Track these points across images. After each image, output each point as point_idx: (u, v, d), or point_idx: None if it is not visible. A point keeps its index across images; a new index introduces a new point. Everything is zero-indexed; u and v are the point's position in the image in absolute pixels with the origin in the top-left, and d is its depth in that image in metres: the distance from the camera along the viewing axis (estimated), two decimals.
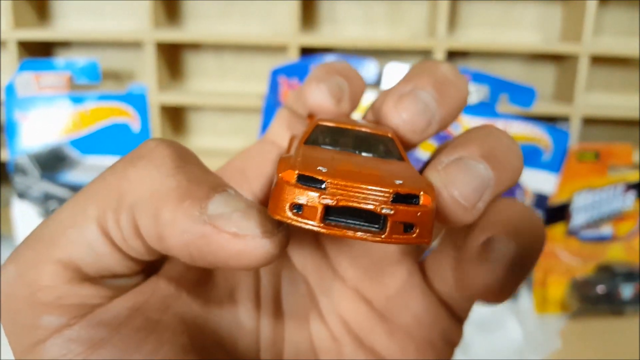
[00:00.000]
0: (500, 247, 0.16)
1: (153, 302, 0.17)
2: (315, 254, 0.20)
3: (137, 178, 0.15)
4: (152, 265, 0.18)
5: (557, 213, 0.64)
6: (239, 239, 0.14)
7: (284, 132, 0.20)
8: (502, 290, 0.16)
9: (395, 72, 0.63)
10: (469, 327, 0.57)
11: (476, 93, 0.63)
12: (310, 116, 0.19)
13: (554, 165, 0.63)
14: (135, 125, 0.66)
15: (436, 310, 0.19)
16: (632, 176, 0.64)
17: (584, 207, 0.64)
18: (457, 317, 0.20)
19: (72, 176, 0.66)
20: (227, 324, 0.18)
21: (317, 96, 0.18)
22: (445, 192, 0.16)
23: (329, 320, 0.20)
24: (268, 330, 0.19)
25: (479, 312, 0.60)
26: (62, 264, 0.15)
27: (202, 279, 0.18)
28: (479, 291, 0.17)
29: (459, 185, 0.16)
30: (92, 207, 0.15)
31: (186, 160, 0.16)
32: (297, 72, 0.64)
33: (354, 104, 0.19)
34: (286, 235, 0.15)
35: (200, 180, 0.15)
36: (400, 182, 0.15)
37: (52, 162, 0.66)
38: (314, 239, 0.20)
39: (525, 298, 0.63)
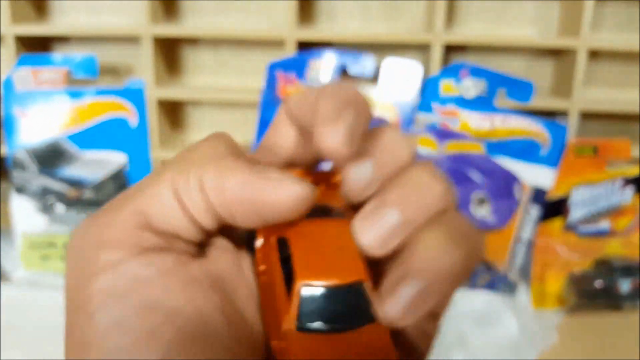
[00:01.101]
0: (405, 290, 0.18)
1: (195, 263, 0.19)
2: None
3: (204, 149, 0.19)
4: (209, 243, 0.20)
5: (555, 208, 0.64)
6: (282, 184, 0.17)
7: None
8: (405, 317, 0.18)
9: (392, 66, 0.63)
10: (466, 321, 0.58)
11: (474, 88, 0.63)
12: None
13: (552, 160, 0.63)
14: (133, 120, 0.66)
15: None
16: (631, 171, 0.64)
17: (582, 201, 0.64)
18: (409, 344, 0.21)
19: (70, 171, 0.67)
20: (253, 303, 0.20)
21: (333, 141, 0.18)
22: (358, 238, 0.18)
23: None
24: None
25: (477, 307, 0.60)
26: (135, 212, 0.18)
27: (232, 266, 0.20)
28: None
29: (367, 234, 0.18)
30: (168, 171, 0.18)
31: (236, 144, 0.20)
32: (294, 66, 0.64)
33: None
34: (313, 187, 0.18)
35: (244, 152, 0.20)
36: None
37: (50, 157, 0.66)
38: None
39: (522, 293, 0.63)
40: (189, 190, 0.18)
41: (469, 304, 0.60)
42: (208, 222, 0.18)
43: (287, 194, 0.17)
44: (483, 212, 0.63)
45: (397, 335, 0.19)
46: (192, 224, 0.18)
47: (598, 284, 0.62)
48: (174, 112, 0.75)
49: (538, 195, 0.63)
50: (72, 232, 0.19)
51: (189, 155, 0.19)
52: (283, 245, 0.19)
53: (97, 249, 0.17)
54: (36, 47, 0.72)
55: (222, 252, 0.20)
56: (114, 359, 0.16)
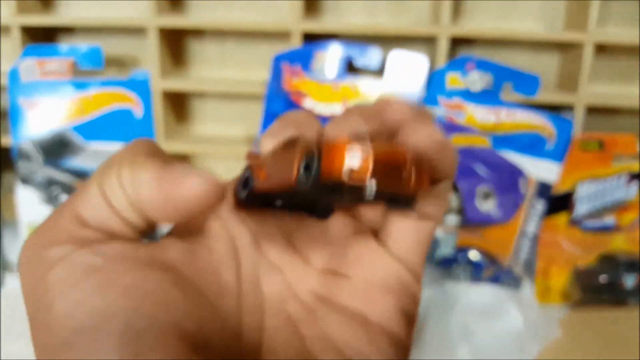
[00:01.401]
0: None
1: (143, 249, 0.19)
2: (286, 246, 0.23)
3: (125, 150, 0.20)
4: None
5: (560, 202, 0.64)
6: (187, 177, 0.18)
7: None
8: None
9: (398, 59, 0.63)
10: (471, 315, 0.58)
11: (480, 81, 0.63)
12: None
13: (558, 154, 0.63)
14: (138, 112, 0.66)
15: (392, 264, 0.22)
16: (636, 166, 0.64)
17: (587, 196, 0.64)
18: (413, 272, 0.22)
19: (75, 162, 0.67)
20: (212, 289, 0.20)
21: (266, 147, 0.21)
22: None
23: (302, 298, 0.22)
24: (248, 315, 0.21)
25: (481, 300, 0.60)
26: (71, 214, 0.19)
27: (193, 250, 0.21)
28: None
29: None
30: (96, 173, 0.19)
31: (157, 147, 0.21)
32: (299, 58, 0.64)
33: None
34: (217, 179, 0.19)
35: (164, 154, 0.20)
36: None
37: (55, 148, 0.66)
38: (285, 235, 0.23)
39: (527, 287, 0.63)
40: (111, 187, 0.19)
41: (474, 298, 0.60)
42: (134, 218, 0.19)
43: (192, 187, 0.18)
44: (488, 205, 0.62)
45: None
46: (120, 220, 0.19)
47: (602, 279, 0.62)
48: (179, 104, 0.75)
49: (543, 189, 0.63)
50: (20, 251, 0.19)
51: (113, 156, 0.20)
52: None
53: (45, 249, 0.18)
54: (41, 38, 0.72)
55: (174, 241, 0.20)
56: (78, 339, 0.16)
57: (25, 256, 0.19)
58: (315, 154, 0.18)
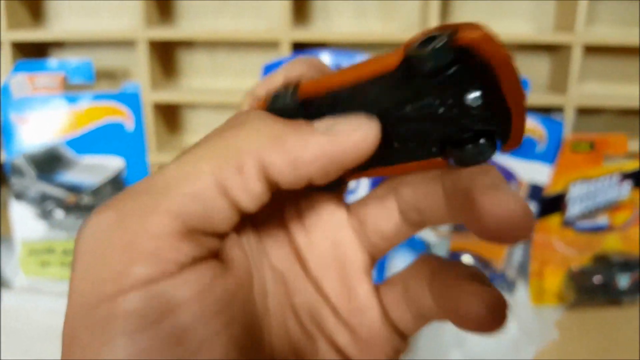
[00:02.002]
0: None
1: (229, 275, 0.18)
2: (287, 249, 0.21)
3: (251, 132, 0.17)
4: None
5: (553, 204, 0.64)
6: (355, 130, 0.17)
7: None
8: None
9: None
10: None
11: None
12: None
13: (549, 156, 0.63)
14: (130, 124, 0.66)
15: (388, 330, 0.20)
16: (628, 166, 0.64)
17: (580, 197, 0.64)
18: (404, 336, 0.21)
19: (68, 176, 0.67)
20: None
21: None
22: None
23: (301, 316, 0.21)
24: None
25: None
26: (171, 214, 0.16)
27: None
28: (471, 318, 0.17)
29: None
30: (206, 163, 0.17)
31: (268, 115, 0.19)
32: None
33: None
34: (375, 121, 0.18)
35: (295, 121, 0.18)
36: None
37: (48, 163, 0.67)
38: (287, 235, 0.21)
39: (521, 290, 0.64)
40: (241, 180, 0.17)
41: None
42: (257, 203, 0.17)
43: (361, 136, 0.17)
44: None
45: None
46: (232, 212, 0.17)
47: (597, 279, 0.62)
48: (171, 115, 0.75)
49: (535, 191, 0.63)
50: (87, 229, 0.16)
51: (229, 141, 0.17)
52: None
53: (127, 260, 0.15)
54: (32, 52, 0.72)
55: (239, 250, 0.19)
56: None
57: (96, 249, 0.16)
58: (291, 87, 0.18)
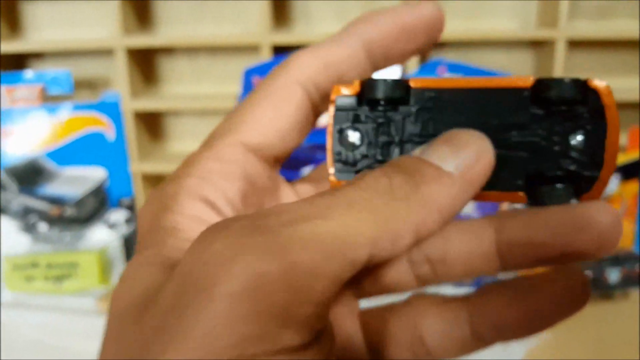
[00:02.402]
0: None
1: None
2: None
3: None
4: None
5: None
6: (480, 160, 0.16)
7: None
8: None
9: None
10: None
11: None
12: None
13: None
14: (111, 134, 0.65)
15: None
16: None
17: None
18: None
19: (50, 189, 0.66)
20: None
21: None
22: None
23: None
24: None
25: None
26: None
27: None
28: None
29: None
30: (363, 234, 0.15)
31: None
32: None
33: None
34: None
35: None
36: None
37: (29, 176, 0.66)
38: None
39: None
40: (396, 249, 0.15)
41: None
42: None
43: (486, 166, 0.16)
44: (467, 207, 0.62)
45: None
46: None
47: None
48: (153, 123, 0.74)
49: None
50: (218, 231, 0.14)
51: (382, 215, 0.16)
52: None
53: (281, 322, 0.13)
54: (10, 64, 0.71)
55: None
56: None
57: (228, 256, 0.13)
58: None
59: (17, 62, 0.73)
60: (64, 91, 0.64)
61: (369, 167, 0.18)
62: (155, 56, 0.73)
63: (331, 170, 0.18)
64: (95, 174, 0.66)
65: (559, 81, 0.16)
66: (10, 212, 0.66)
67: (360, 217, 0.14)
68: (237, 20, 0.71)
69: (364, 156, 0.18)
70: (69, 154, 0.66)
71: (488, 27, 0.71)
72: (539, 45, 0.71)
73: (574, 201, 0.17)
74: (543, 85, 0.16)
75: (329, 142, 0.18)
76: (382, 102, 0.18)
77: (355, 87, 0.18)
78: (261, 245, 0.13)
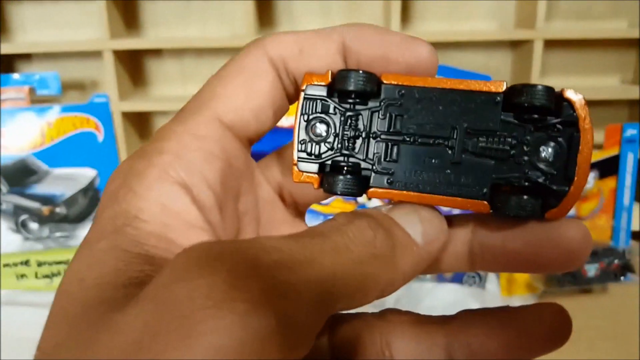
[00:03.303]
0: None
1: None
2: None
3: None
4: None
5: None
6: (439, 236, 0.17)
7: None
8: None
9: None
10: (435, 314, 0.58)
11: None
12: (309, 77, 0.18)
13: None
14: (100, 135, 0.66)
15: None
16: (593, 156, 0.65)
17: None
18: None
19: (41, 188, 0.67)
20: None
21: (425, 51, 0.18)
22: None
23: None
24: None
25: (446, 299, 0.61)
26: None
27: None
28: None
29: None
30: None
31: None
32: None
33: None
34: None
35: None
36: None
37: (20, 175, 0.67)
38: None
39: (491, 282, 0.65)
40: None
41: (439, 297, 0.61)
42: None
43: (442, 243, 0.17)
44: None
45: None
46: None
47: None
48: (141, 124, 0.75)
49: None
50: None
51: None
52: None
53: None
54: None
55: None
56: None
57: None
58: None
59: (5, 64, 0.74)
60: (52, 93, 0.65)
61: (333, 160, 0.18)
62: (142, 58, 0.74)
63: (295, 158, 0.18)
64: (85, 174, 0.67)
65: (531, 88, 0.16)
66: (1, 211, 0.67)
67: (346, 269, 0.14)
68: (223, 22, 0.72)
69: (329, 148, 0.18)
70: (59, 154, 0.67)
71: (467, 29, 0.72)
72: (517, 46, 0.72)
73: (538, 215, 0.16)
74: (516, 91, 0.16)
75: (295, 130, 0.18)
76: (352, 95, 0.17)
77: (327, 77, 0.18)
78: (255, 292, 0.11)
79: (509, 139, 0.16)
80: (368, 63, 0.18)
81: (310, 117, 0.18)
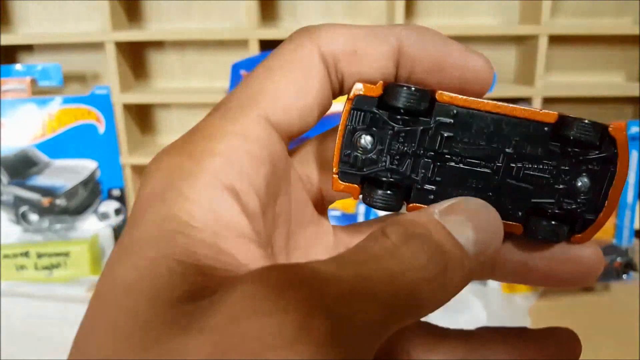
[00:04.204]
0: None
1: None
2: None
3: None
4: None
5: None
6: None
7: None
8: None
9: None
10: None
11: None
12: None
13: None
14: (101, 127, 0.66)
15: None
16: None
17: None
18: None
19: (41, 180, 0.67)
20: None
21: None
22: None
23: None
24: None
25: None
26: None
27: None
28: None
29: None
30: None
31: None
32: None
33: None
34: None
35: None
36: None
37: (20, 167, 0.67)
38: None
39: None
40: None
41: None
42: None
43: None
44: None
45: None
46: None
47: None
48: (143, 116, 0.75)
49: None
50: None
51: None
52: None
53: None
54: (0, 57, 0.72)
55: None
56: None
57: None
58: None
59: (7, 55, 0.74)
60: (54, 84, 0.65)
61: (377, 174, 0.17)
62: (144, 50, 0.74)
63: (335, 169, 0.17)
64: (86, 165, 0.67)
65: (581, 123, 0.16)
66: (1, 202, 0.67)
67: (401, 298, 0.14)
68: (226, 16, 0.72)
69: (373, 162, 0.17)
70: (60, 145, 0.67)
71: (472, 24, 0.72)
72: (522, 41, 0.72)
73: (564, 239, 0.17)
74: (565, 124, 0.17)
75: (339, 139, 0.17)
76: (402, 111, 0.17)
77: (378, 89, 0.17)
78: (322, 332, 0.12)
79: (550, 167, 0.17)
80: (422, 71, 0.18)
81: (357, 128, 0.17)
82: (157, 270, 0.13)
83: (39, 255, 0.65)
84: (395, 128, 0.17)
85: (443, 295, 0.15)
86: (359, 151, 0.17)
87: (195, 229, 0.14)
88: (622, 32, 0.69)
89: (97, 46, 0.70)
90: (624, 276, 0.62)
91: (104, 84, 0.73)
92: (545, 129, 0.17)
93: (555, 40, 0.69)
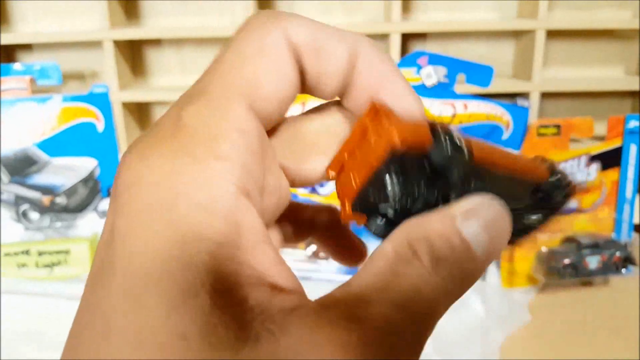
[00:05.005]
0: None
1: None
2: None
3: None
4: None
5: None
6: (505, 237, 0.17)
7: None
8: None
9: None
10: None
11: (435, 75, 0.63)
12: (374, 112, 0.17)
13: (515, 143, 0.64)
14: (100, 125, 0.66)
15: None
16: (595, 148, 0.64)
17: None
18: None
19: (41, 178, 0.67)
20: None
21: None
22: None
23: None
24: None
25: None
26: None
27: None
28: None
29: None
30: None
31: None
32: None
33: None
34: None
35: None
36: None
37: (20, 165, 0.67)
38: None
39: (492, 274, 0.64)
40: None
41: None
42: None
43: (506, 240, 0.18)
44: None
45: None
46: None
47: (567, 261, 0.63)
48: (142, 114, 0.75)
49: None
50: None
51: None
52: None
53: None
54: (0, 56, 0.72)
55: None
56: None
57: None
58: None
59: (6, 54, 0.74)
60: (52, 83, 0.65)
61: (390, 217, 0.16)
62: (143, 48, 0.74)
63: (349, 204, 0.17)
64: (85, 164, 0.67)
65: (562, 189, 0.21)
66: (1, 201, 0.67)
67: (420, 313, 0.15)
68: (223, 12, 0.72)
69: (387, 199, 0.16)
70: (59, 144, 0.67)
71: (469, 18, 0.72)
72: (520, 36, 0.72)
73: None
74: (557, 183, 0.21)
75: (364, 179, 0.16)
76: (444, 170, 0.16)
77: (424, 145, 0.16)
78: None
79: (536, 214, 0.21)
80: (360, 87, 0.17)
81: (390, 171, 0.16)
82: (190, 317, 0.13)
83: (40, 254, 0.65)
84: (422, 179, 0.16)
85: (455, 301, 0.16)
86: (380, 195, 0.16)
87: (220, 246, 0.13)
88: (620, 25, 0.69)
89: (95, 44, 0.70)
90: (623, 270, 0.62)
91: (102, 81, 0.73)
92: (539, 187, 0.20)
93: (553, 34, 0.68)
